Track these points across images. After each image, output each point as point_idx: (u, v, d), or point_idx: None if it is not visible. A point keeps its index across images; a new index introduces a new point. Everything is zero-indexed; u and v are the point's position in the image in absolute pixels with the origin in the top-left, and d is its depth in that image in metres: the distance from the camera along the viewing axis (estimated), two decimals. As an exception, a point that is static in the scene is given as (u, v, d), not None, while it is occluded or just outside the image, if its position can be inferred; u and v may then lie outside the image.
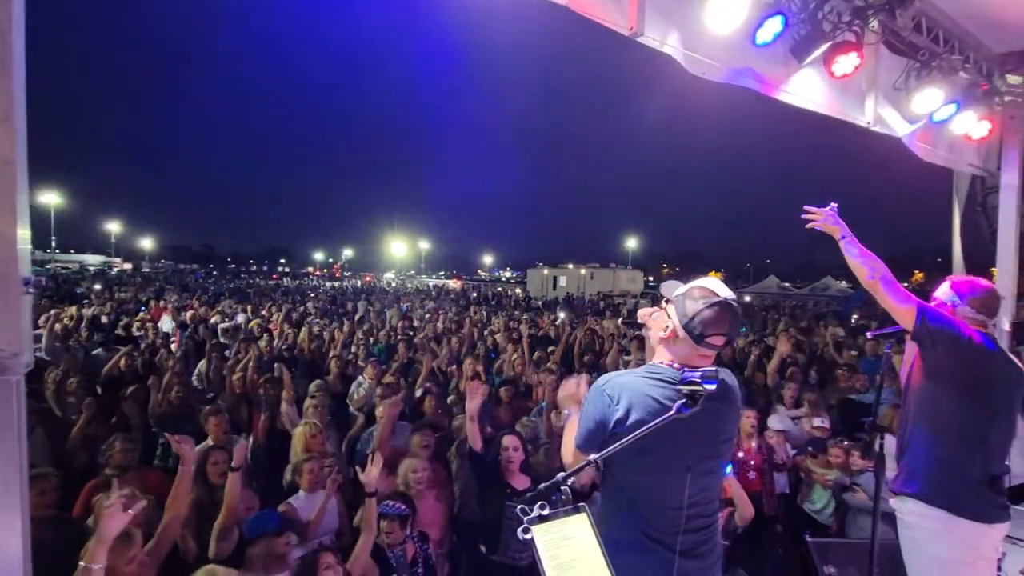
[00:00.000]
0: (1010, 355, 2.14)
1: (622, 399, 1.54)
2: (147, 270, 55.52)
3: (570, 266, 38.48)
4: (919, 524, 2.14)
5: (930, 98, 3.87)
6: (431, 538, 3.31)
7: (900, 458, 2.25)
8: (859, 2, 3.24)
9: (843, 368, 6.78)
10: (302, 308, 14.39)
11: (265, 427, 4.30)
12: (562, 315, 13.48)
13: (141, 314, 11.25)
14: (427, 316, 12.62)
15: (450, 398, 5.32)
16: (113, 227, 72.32)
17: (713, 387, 1.30)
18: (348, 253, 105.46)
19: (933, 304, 2.27)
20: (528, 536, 1.23)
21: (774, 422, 4.99)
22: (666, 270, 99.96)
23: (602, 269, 37.37)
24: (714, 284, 1.65)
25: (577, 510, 1.31)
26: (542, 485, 1.34)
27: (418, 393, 5.03)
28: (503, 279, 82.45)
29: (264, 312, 12.03)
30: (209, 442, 3.57)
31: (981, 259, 5.32)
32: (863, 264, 2.29)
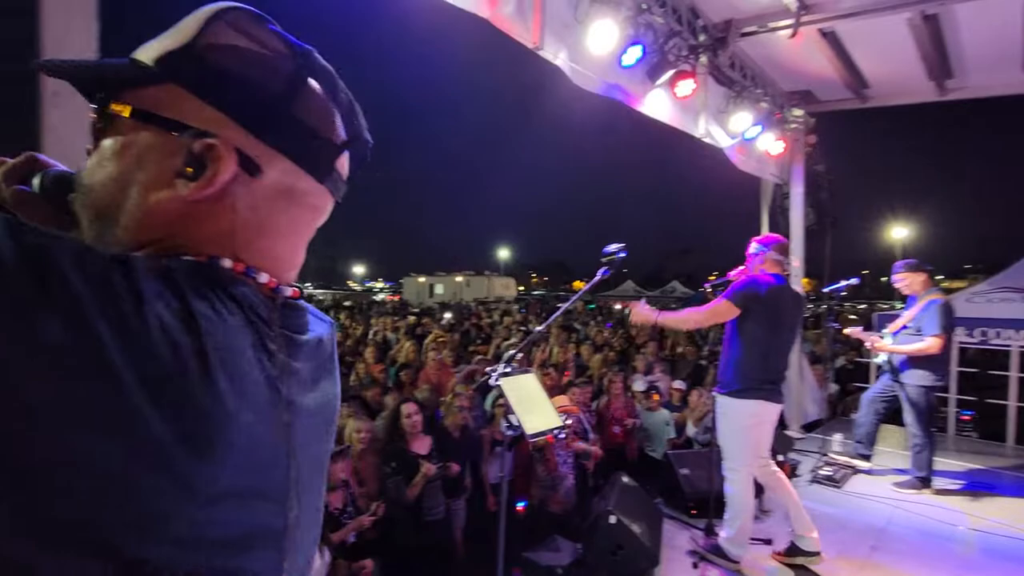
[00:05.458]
0: (795, 288, 3.15)
1: None
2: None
3: (445, 274, 38.98)
4: (726, 408, 3.14)
5: (742, 120, 5.09)
6: (366, 490, 3.63)
7: (720, 368, 3.18)
8: (693, 41, 4.26)
9: (690, 345, 8.32)
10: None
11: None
12: (448, 315, 13.97)
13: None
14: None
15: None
16: None
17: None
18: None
19: (748, 257, 3.22)
20: (497, 383, 1.75)
21: (637, 385, 6.01)
22: (535, 279, 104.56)
23: (477, 276, 38.42)
24: None
25: (526, 372, 1.87)
26: (503, 359, 1.86)
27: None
28: (376, 289, 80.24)
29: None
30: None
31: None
32: (679, 322, 3.19)
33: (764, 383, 3.05)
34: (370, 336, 9.80)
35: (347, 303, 24.83)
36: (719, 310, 3.06)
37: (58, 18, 1.45)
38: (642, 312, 3.11)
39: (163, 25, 0.53)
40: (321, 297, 37.80)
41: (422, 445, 3.71)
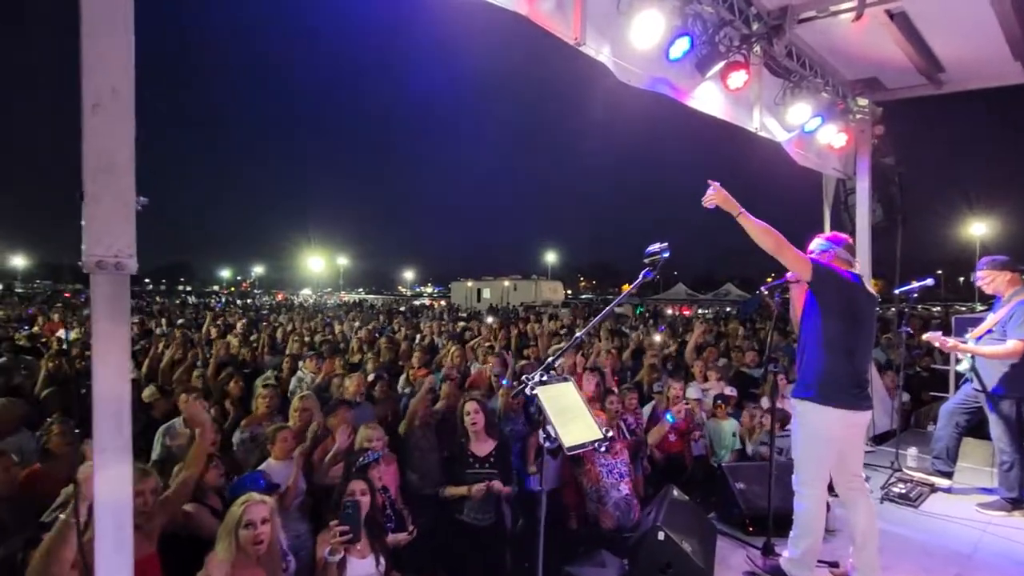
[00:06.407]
0: (866, 285, 2.90)
1: None
2: (21, 290, 49.61)
3: (493, 278, 39.11)
4: (806, 416, 2.86)
5: (800, 111, 4.79)
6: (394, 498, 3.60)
7: (798, 372, 2.93)
8: (745, 30, 4.04)
9: (736, 348, 7.90)
10: (220, 320, 14.05)
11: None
12: (490, 319, 13.99)
13: (34, 329, 10.61)
14: (356, 325, 12.72)
15: (403, 388, 5.67)
16: (-24, 244, 63.88)
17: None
18: (258, 270, 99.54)
19: (811, 253, 2.99)
20: (534, 393, 1.66)
21: (690, 392, 5.76)
22: (583, 282, 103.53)
23: (524, 280, 38.34)
24: None
25: (565, 380, 1.77)
26: (542, 366, 1.77)
27: (370, 378, 5.30)
28: (425, 294, 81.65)
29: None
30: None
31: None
32: (765, 235, 2.68)
33: (851, 387, 2.78)
34: (416, 341, 9.89)
35: (401, 309, 25.47)
36: (799, 260, 2.72)
37: (97, 36, 1.49)
38: (722, 194, 2.73)
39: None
40: (372, 301, 38.88)
41: (483, 447, 3.57)
